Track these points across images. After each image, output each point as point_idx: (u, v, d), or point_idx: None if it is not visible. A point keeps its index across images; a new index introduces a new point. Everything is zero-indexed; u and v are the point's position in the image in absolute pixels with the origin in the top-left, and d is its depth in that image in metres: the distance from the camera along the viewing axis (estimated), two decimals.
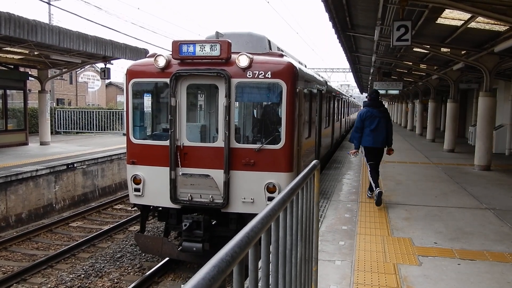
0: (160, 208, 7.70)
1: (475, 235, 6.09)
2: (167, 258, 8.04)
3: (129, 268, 8.20)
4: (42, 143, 17.23)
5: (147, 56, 8.11)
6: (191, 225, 6.87)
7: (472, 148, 14.36)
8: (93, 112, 24.77)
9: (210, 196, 7.04)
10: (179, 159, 7.16)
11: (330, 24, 11.53)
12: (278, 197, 2.03)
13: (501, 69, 13.40)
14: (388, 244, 5.62)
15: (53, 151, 15.30)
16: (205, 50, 6.86)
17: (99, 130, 24.15)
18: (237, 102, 7.72)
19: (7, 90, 17.16)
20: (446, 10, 8.86)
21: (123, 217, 11.79)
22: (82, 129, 24.15)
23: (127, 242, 9.61)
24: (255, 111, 9.08)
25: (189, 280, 1.01)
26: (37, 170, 11.30)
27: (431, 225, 6.53)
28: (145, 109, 8.78)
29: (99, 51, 13.88)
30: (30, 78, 18.18)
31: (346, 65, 42.13)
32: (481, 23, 9.60)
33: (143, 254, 8.70)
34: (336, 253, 5.25)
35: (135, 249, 9.04)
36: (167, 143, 7.22)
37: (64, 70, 19.36)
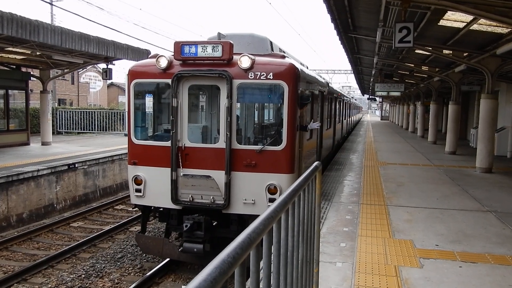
0: (161, 209, 7.69)
1: (477, 237, 6.08)
2: (167, 259, 8.03)
3: (129, 269, 8.20)
4: (43, 143, 17.25)
5: (149, 56, 8.11)
6: (192, 226, 6.86)
7: (473, 151, 14.34)
8: (94, 112, 24.81)
9: (211, 197, 7.04)
10: (180, 160, 7.16)
11: (332, 25, 11.54)
12: (280, 198, 2.02)
13: (503, 71, 13.38)
14: (389, 246, 5.61)
15: (54, 151, 15.31)
16: (207, 51, 6.86)
17: (100, 130, 24.18)
18: (239, 103, 7.72)
19: (9, 90, 17.20)
20: (448, 12, 8.86)
21: (124, 218, 11.79)
22: (84, 130, 24.18)
23: (128, 243, 9.61)
24: (256, 112, 9.08)
25: (190, 282, 1.00)
26: (38, 170, 11.31)
27: (432, 227, 6.52)
28: (146, 110, 8.78)
29: (101, 52, 13.90)
30: (32, 78, 18.21)
31: (348, 66, 42.14)
32: (484, 25, 9.58)
33: (144, 255, 8.69)
34: (337, 255, 5.24)
35: (136, 250, 9.03)
36: (168, 143, 7.22)
37: (66, 70, 19.38)
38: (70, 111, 24.73)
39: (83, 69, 32.62)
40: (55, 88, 32.77)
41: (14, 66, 16.99)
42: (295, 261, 2.35)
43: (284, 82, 6.84)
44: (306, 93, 7.85)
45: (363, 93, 54.17)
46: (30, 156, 13.77)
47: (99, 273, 7.97)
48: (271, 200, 6.82)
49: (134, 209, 11.74)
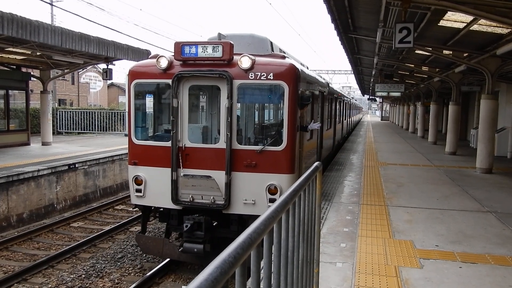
0: (161, 209, 7.70)
1: (477, 238, 6.08)
2: (168, 259, 8.03)
3: (130, 269, 8.20)
4: (43, 144, 17.26)
5: (149, 57, 8.12)
6: (192, 226, 6.86)
7: (473, 151, 14.34)
8: (95, 112, 24.82)
9: (212, 197, 7.04)
10: (180, 160, 7.16)
11: (332, 26, 11.55)
12: (280, 198, 2.03)
13: (503, 72, 13.39)
14: (390, 247, 5.61)
15: (54, 151, 15.32)
16: (207, 52, 6.87)
17: (100, 130, 24.18)
18: (239, 104, 7.72)
19: (9, 91, 17.21)
20: (448, 12, 8.86)
21: (124, 218, 11.79)
22: (84, 130, 24.18)
23: (128, 243, 9.62)
24: (257, 112, 9.08)
25: (192, 281, 1.01)
26: (38, 170, 11.31)
27: (432, 228, 6.52)
28: (147, 110, 8.78)
29: (101, 52, 13.91)
30: (32, 78, 18.21)
31: (348, 67, 42.18)
32: (484, 25, 9.59)
33: (144, 255, 8.70)
34: (337, 255, 5.24)
35: (136, 250, 9.04)
36: (168, 144, 7.22)
37: (66, 70, 19.41)
38: (70, 111, 24.74)
39: (83, 69, 32.65)
40: (55, 88, 32.78)
41: (15, 67, 17.00)
42: (296, 261, 2.35)
43: (285, 82, 6.84)
44: (307, 94, 7.85)
45: (363, 93, 54.20)
46: (30, 156, 13.78)
47: (99, 273, 7.98)
48: (272, 201, 6.82)
49: (134, 209, 11.75)
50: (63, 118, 24.14)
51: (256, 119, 9.14)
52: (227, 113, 6.87)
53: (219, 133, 7.34)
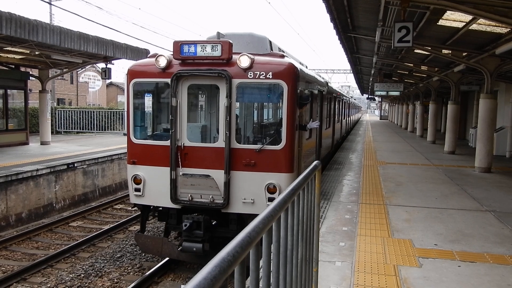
0: (160, 208, 7.69)
1: (476, 237, 6.09)
2: (167, 258, 8.03)
3: (129, 268, 8.20)
4: (42, 143, 17.24)
5: (148, 56, 8.11)
6: (191, 225, 6.86)
7: (472, 150, 14.35)
8: (93, 112, 24.78)
9: (211, 197, 7.04)
10: (179, 159, 7.16)
11: (331, 25, 11.55)
12: (279, 197, 2.02)
13: (502, 71, 13.39)
14: (389, 246, 5.62)
15: (53, 150, 15.30)
16: (206, 51, 6.86)
17: (99, 130, 24.16)
18: (238, 103, 7.72)
19: (8, 90, 17.18)
20: (447, 11, 8.86)
21: (123, 217, 11.78)
22: (83, 129, 24.16)
23: (127, 242, 9.61)
24: (256, 111, 9.07)
25: (190, 280, 1.01)
26: (37, 170, 11.30)
27: (431, 227, 6.53)
28: (146, 109, 8.77)
29: (100, 51, 13.90)
30: (31, 78, 18.19)
31: (347, 66, 42.20)
32: (483, 25, 9.59)
33: (143, 254, 8.69)
34: (336, 254, 5.24)
35: (135, 249, 9.03)
36: (167, 143, 7.22)
37: (65, 70, 19.37)
38: (69, 111, 24.71)
39: (82, 69, 32.56)
40: (54, 88, 32.71)
41: (13, 66, 16.97)
42: (295, 260, 2.35)
43: (284, 81, 6.84)
44: (306, 93, 7.85)
45: (362, 92, 54.19)
46: (29, 156, 13.76)
47: (98, 272, 7.97)
48: (271, 200, 6.82)
49: (133, 209, 11.74)
50: (62, 118, 24.11)
51: (255, 118, 9.14)
52: (226, 112, 6.87)
53: (218, 132, 7.33)
